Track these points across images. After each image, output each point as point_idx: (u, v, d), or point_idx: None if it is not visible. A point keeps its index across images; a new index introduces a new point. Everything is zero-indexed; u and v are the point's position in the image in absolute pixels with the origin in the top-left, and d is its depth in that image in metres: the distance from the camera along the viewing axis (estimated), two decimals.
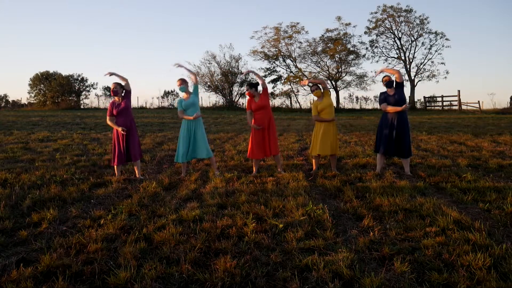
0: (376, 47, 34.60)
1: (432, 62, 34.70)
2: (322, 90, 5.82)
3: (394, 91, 5.58)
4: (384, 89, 5.75)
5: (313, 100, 6.04)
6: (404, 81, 5.74)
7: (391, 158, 6.86)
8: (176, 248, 2.97)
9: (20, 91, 59.30)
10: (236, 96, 34.49)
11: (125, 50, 74.61)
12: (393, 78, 5.66)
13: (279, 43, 33.28)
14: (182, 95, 5.78)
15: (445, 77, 40.71)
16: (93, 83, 35.84)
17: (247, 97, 5.90)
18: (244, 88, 34.07)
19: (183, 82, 5.62)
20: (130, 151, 5.51)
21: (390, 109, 5.50)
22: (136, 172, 5.65)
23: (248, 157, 5.89)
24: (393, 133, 5.50)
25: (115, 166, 5.65)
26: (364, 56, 34.57)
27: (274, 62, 34.47)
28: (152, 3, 79.98)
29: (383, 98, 5.66)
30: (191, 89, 5.75)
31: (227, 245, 3.02)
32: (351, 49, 33.16)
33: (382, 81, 5.70)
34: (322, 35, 33.76)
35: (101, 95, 35.05)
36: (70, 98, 33.89)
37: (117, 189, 4.88)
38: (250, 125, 5.81)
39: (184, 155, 5.61)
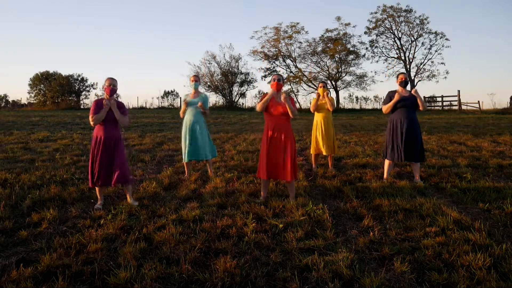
0: (376, 47, 34.61)
1: (432, 62, 34.81)
2: (329, 95, 6.09)
3: (408, 93, 5.13)
4: (389, 88, 5.57)
5: (314, 98, 6.19)
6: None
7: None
8: (176, 248, 2.97)
9: (20, 91, 59.32)
10: (236, 96, 34.50)
11: (125, 50, 74.65)
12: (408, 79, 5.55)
13: (279, 43, 33.28)
14: (191, 91, 5.68)
15: (445, 77, 40.79)
16: (93, 83, 35.91)
17: (268, 90, 4.57)
18: (243, 88, 34.07)
19: (197, 79, 5.63)
20: (115, 170, 4.08)
21: (389, 105, 5.11)
22: (128, 196, 4.29)
23: (258, 176, 4.42)
24: (404, 136, 5.05)
25: (97, 190, 4.22)
26: (364, 56, 34.60)
27: (274, 62, 34.47)
28: (153, 3, 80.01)
29: (389, 97, 5.18)
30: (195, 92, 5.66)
31: (227, 245, 3.02)
32: (351, 49, 33.16)
33: (397, 78, 5.23)
34: (322, 35, 33.77)
35: (101, 95, 35.02)
36: (70, 98, 33.91)
37: (117, 189, 4.87)
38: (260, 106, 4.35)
39: (186, 154, 5.50)
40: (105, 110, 4.05)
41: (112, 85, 4.17)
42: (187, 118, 5.52)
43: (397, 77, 5.24)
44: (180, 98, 35.54)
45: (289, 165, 4.19)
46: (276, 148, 4.26)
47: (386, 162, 5.31)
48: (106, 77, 4.21)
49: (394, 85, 5.36)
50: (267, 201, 4.24)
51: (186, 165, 5.69)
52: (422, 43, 33.62)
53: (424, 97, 33.57)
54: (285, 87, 34.30)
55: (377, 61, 45.40)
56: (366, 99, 36.04)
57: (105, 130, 4.11)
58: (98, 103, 4.14)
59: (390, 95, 5.21)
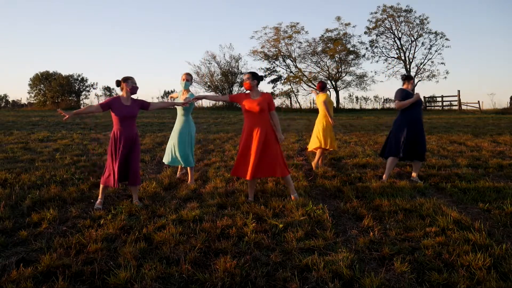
0: (376, 47, 34.59)
1: (432, 62, 34.71)
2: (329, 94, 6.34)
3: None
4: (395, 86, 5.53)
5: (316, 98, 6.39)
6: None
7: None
8: (176, 248, 2.98)
9: (20, 91, 59.16)
10: None
11: (125, 49, 74.46)
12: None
13: (279, 43, 33.25)
14: (181, 91, 5.23)
15: (445, 77, 40.71)
16: (93, 83, 35.88)
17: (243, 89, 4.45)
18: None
19: (190, 79, 5.12)
20: (133, 170, 4.13)
21: (408, 102, 5.08)
22: (134, 196, 4.27)
23: (232, 174, 4.47)
24: (418, 136, 5.13)
25: (101, 188, 4.20)
26: (364, 56, 34.59)
27: (274, 62, 34.45)
28: (153, 3, 80.00)
29: (405, 94, 5.15)
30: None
31: (227, 245, 3.02)
32: (351, 49, 33.15)
33: (409, 82, 5.28)
34: (322, 35, 33.73)
35: (101, 95, 35.08)
36: (70, 98, 33.90)
37: (117, 189, 4.87)
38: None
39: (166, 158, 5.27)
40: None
41: (133, 83, 4.16)
42: (176, 120, 5.24)
43: (408, 81, 5.25)
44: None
45: (272, 161, 4.18)
46: (255, 146, 4.18)
47: (390, 159, 5.23)
48: (121, 77, 4.18)
49: (395, 85, 5.35)
50: (267, 201, 4.24)
51: (179, 168, 5.63)
52: (422, 43, 33.63)
53: (424, 97, 33.61)
54: (285, 87, 34.36)
55: (377, 61, 45.41)
56: (366, 99, 35.99)
57: (124, 129, 4.08)
58: (114, 101, 4.06)
59: (407, 93, 5.17)
